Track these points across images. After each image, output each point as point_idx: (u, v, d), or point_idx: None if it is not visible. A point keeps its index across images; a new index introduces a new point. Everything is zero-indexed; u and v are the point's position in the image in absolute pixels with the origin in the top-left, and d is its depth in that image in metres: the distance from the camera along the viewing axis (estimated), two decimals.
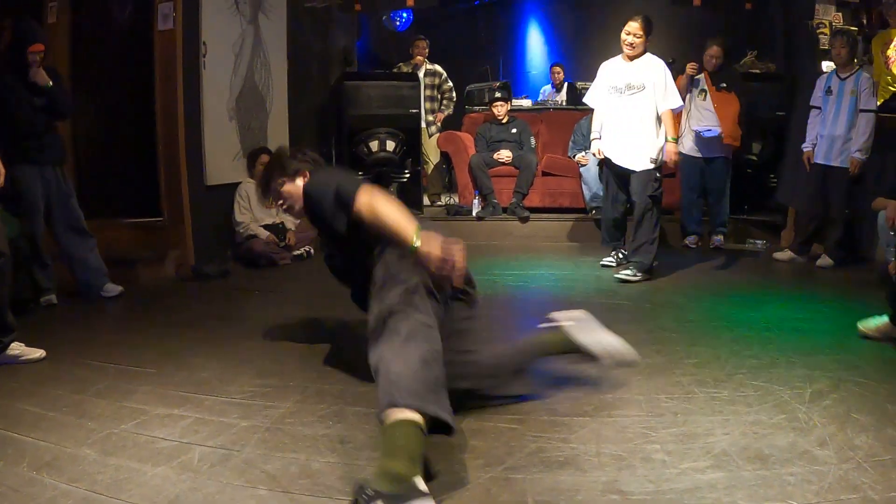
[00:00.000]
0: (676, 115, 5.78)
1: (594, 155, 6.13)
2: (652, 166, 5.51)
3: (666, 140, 5.52)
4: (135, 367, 3.51)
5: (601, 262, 6.11)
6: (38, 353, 3.68)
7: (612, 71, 5.72)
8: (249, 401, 3.06)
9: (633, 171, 5.57)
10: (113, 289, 5.15)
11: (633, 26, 5.48)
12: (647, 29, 5.50)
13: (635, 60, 5.58)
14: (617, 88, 5.62)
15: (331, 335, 4.15)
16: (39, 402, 3.08)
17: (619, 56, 5.70)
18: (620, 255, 6.02)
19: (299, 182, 3.11)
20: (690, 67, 6.74)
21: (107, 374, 3.44)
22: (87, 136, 6.46)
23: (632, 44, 5.51)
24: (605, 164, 5.89)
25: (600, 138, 5.84)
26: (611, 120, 5.71)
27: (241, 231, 6.57)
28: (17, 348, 3.63)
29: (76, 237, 5.03)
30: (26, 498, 2.23)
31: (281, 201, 3.16)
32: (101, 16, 6.42)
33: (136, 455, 2.53)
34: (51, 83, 4.74)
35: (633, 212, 5.65)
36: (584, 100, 6.09)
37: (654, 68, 5.54)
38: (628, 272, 5.51)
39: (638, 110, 5.55)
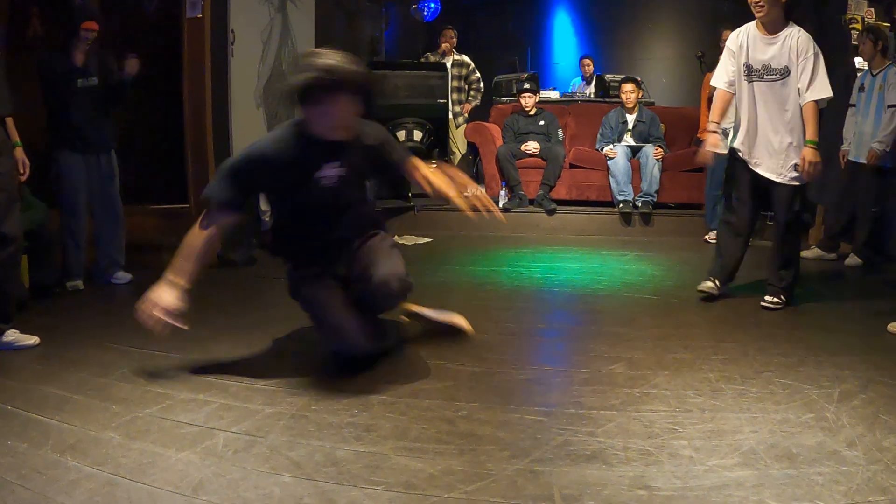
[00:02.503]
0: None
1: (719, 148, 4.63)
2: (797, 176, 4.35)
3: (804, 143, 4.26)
4: (160, 352, 3.52)
5: (699, 290, 4.71)
6: (33, 339, 3.67)
7: (746, 43, 4.35)
8: (274, 387, 3.06)
9: (776, 183, 4.42)
10: (123, 276, 5.15)
11: None
12: None
13: (778, 35, 4.24)
14: (752, 70, 4.35)
15: None
16: (64, 385, 3.11)
17: (754, 24, 4.34)
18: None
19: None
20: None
21: (131, 358, 3.46)
22: (115, 123, 6.49)
23: (757, 2, 4.17)
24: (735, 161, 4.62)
25: (720, 131, 4.62)
26: (743, 110, 4.45)
27: (267, 219, 6.57)
28: (11, 335, 3.63)
29: (107, 222, 5.06)
30: (49, 480, 2.24)
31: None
32: (129, 3, 6.46)
33: (160, 439, 2.54)
34: (134, 74, 4.86)
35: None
36: (712, 82, 4.59)
37: (798, 47, 4.20)
38: (773, 299, 4.50)
39: (779, 102, 4.31)
